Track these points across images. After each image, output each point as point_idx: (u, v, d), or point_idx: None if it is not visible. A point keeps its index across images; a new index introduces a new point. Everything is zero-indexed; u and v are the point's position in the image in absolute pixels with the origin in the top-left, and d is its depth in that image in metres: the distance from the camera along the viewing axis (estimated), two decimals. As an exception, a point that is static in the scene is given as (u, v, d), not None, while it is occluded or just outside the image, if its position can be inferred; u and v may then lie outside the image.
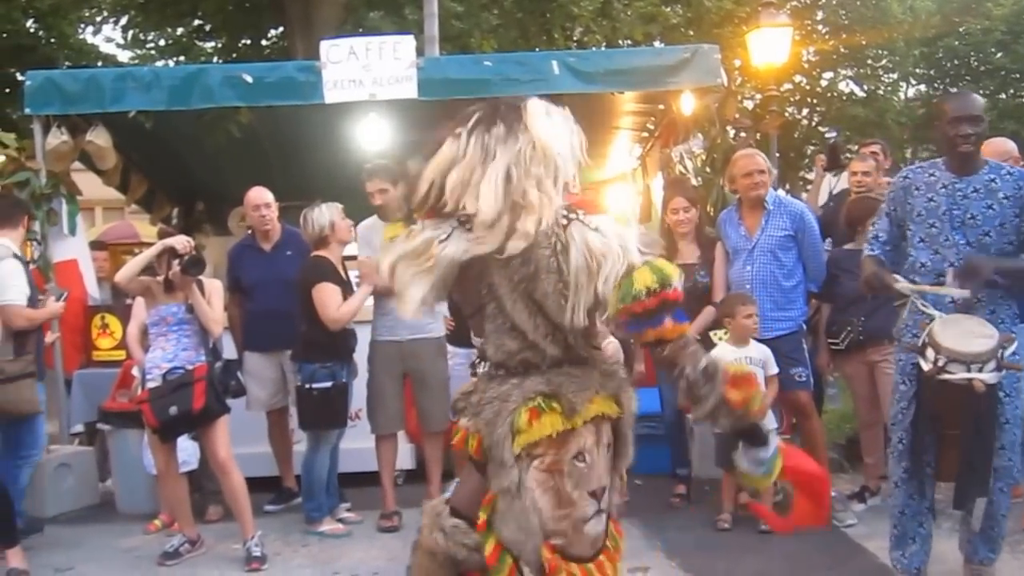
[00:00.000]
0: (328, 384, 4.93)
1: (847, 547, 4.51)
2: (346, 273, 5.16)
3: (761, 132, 7.35)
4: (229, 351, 5.33)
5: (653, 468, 5.31)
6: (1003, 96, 20.95)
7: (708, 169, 6.32)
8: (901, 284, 3.57)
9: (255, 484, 4.92)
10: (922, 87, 22.08)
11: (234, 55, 13.62)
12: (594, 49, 11.03)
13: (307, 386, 4.95)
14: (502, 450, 2.29)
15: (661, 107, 7.31)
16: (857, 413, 5.32)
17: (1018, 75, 20.56)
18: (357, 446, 5.44)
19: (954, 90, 19.95)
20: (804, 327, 5.08)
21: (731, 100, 6.69)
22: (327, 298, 4.89)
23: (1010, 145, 4.89)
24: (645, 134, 8.37)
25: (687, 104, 6.47)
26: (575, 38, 13.11)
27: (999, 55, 20.25)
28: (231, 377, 4.86)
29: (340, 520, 5.17)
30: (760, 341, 4.92)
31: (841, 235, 5.31)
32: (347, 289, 5.05)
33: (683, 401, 2.78)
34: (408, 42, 6.24)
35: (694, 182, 6.23)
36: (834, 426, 5.68)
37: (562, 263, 2.21)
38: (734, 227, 5.17)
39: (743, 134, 6.45)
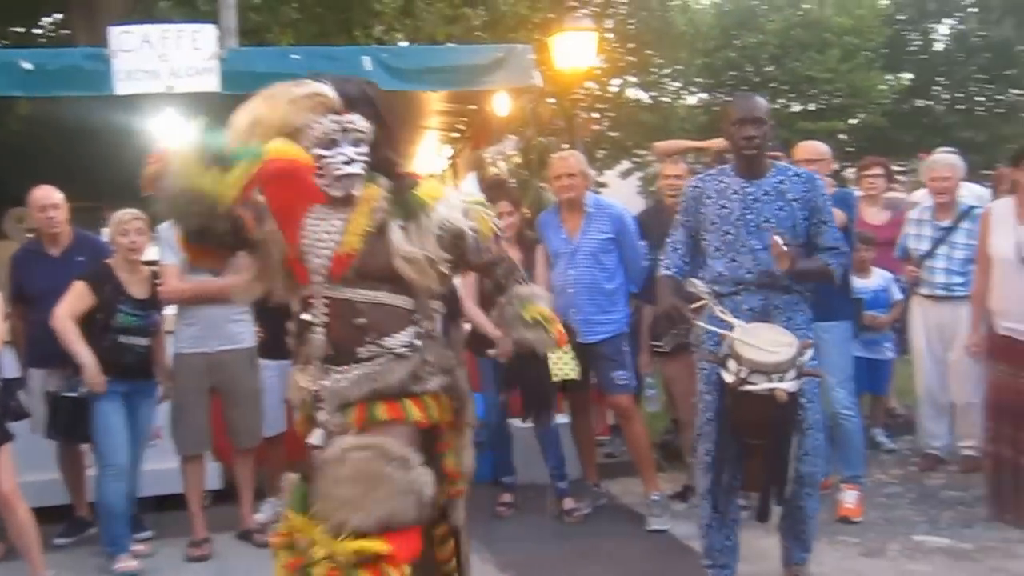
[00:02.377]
0: (81, 393, 4.55)
1: (678, 551, 4.57)
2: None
3: (573, 135, 7.43)
4: (11, 368, 4.77)
5: (476, 476, 5.18)
6: (775, 107, 22.46)
7: (525, 171, 6.30)
8: (699, 288, 3.55)
9: (43, 515, 4.40)
10: (704, 95, 23.26)
11: (5, 42, 12.37)
12: (408, 45, 10.80)
13: (61, 394, 4.61)
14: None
15: (472, 107, 7.23)
16: (680, 413, 5.43)
17: (788, 87, 22.08)
18: (159, 467, 5.03)
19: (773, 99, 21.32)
20: (627, 329, 5.12)
21: (543, 102, 6.71)
22: (64, 299, 4.51)
23: (823, 148, 5.12)
24: (456, 135, 8.28)
25: (501, 105, 6.41)
26: (376, 36, 12.83)
27: (772, 68, 21.67)
28: (11, 398, 4.34)
29: (136, 553, 4.70)
30: (583, 345, 4.93)
31: (660, 237, 5.40)
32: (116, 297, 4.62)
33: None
34: (209, 31, 5.82)
35: (509, 183, 6.19)
36: (652, 427, 5.79)
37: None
38: (555, 230, 5.15)
39: (552, 137, 6.48)
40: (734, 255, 3.62)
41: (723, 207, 3.66)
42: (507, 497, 5.28)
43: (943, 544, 4.48)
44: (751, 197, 3.63)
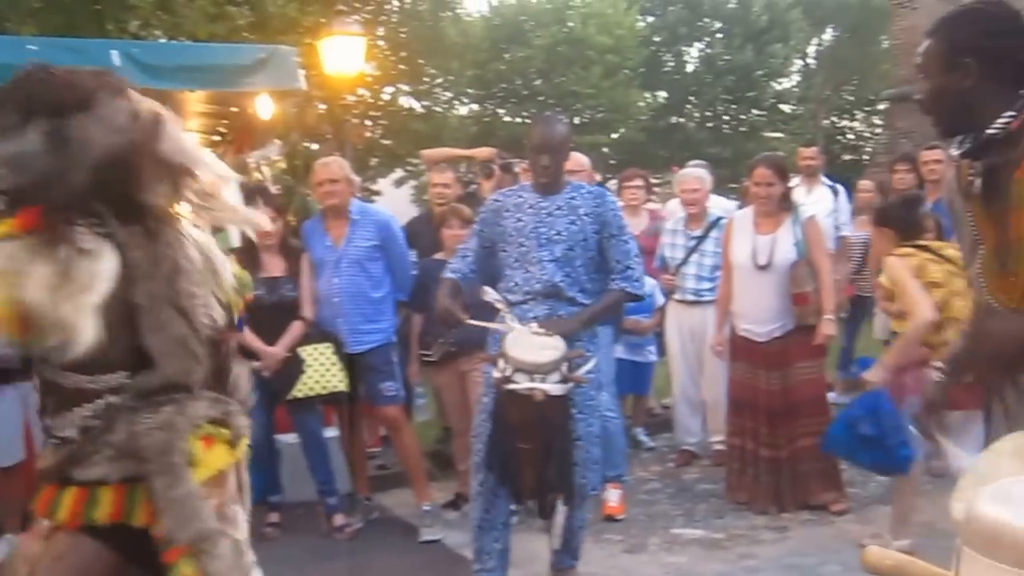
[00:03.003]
0: None
1: (451, 560, 4.54)
2: None
3: (342, 142, 7.28)
4: None
5: (240, 496, 4.94)
6: (543, 119, 23.22)
7: (289, 177, 6.09)
8: (490, 295, 3.64)
9: None
10: (475, 106, 23.71)
11: None
12: (163, 41, 10.18)
13: None
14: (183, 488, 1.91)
15: (234, 109, 6.92)
16: (451, 421, 5.41)
17: (554, 101, 22.91)
18: None
19: (541, 113, 21.85)
20: (395, 339, 5.05)
21: (310, 107, 6.52)
22: None
23: (583, 159, 5.29)
24: (216, 138, 7.89)
25: (264, 108, 6.18)
26: (131, 31, 12.06)
27: (539, 82, 22.43)
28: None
29: None
30: (351, 355, 4.82)
31: (428, 245, 5.39)
32: None
33: None
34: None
35: (273, 190, 5.97)
36: (423, 435, 5.75)
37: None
38: (319, 238, 5.01)
39: (320, 144, 6.32)
40: (527, 266, 3.75)
41: (519, 220, 3.79)
42: (274, 517, 5.05)
43: (698, 535, 4.73)
44: (545, 211, 3.78)
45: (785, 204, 4.99)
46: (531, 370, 3.36)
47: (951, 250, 3.87)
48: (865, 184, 8.18)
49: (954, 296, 3.85)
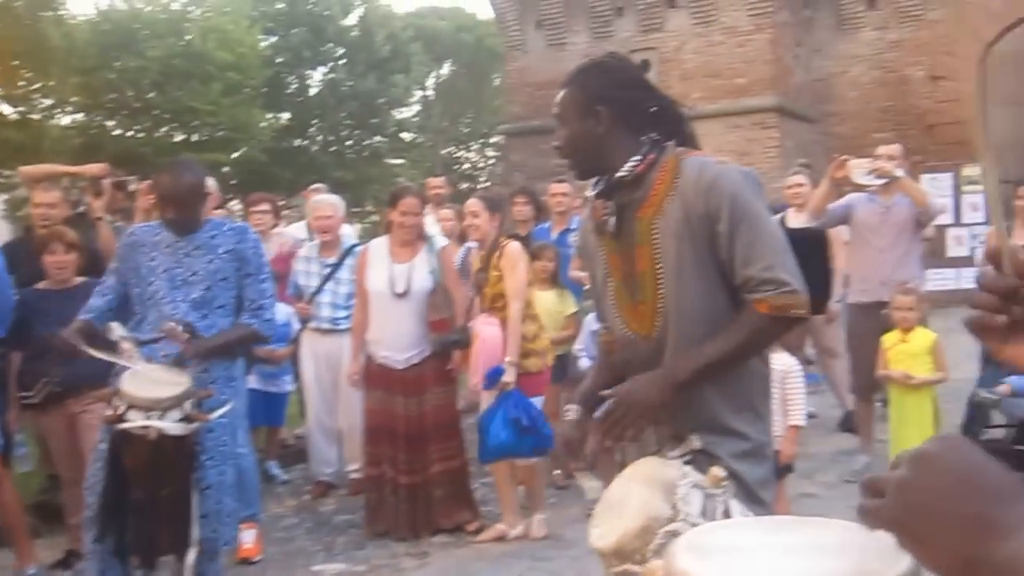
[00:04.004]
0: None
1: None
2: None
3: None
4: None
5: None
6: (158, 134, 21.84)
7: None
8: (116, 332, 3.40)
9: None
10: (80, 116, 21.70)
11: None
12: None
13: None
14: None
15: None
16: (59, 469, 4.82)
17: (170, 116, 21.65)
18: None
19: (156, 128, 20.44)
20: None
21: None
22: None
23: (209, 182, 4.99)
24: None
25: None
26: None
27: (154, 95, 21.05)
28: None
29: None
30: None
31: (29, 273, 4.77)
32: None
33: None
34: None
35: None
36: (26, 487, 5.07)
37: None
38: None
39: None
40: (160, 306, 3.58)
41: (153, 259, 3.65)
42: None
43: (339, 570, 4.65)
44: (182, 251, 3.64)
45: (421, 233, 5.10)
46: (147, 406, 3.12)
47: None
48: (447, 214, 8.55)
49: None
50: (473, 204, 5.01)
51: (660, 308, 2.17)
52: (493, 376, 4.67)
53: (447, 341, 4.92)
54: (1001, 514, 0.71)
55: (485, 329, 4.77)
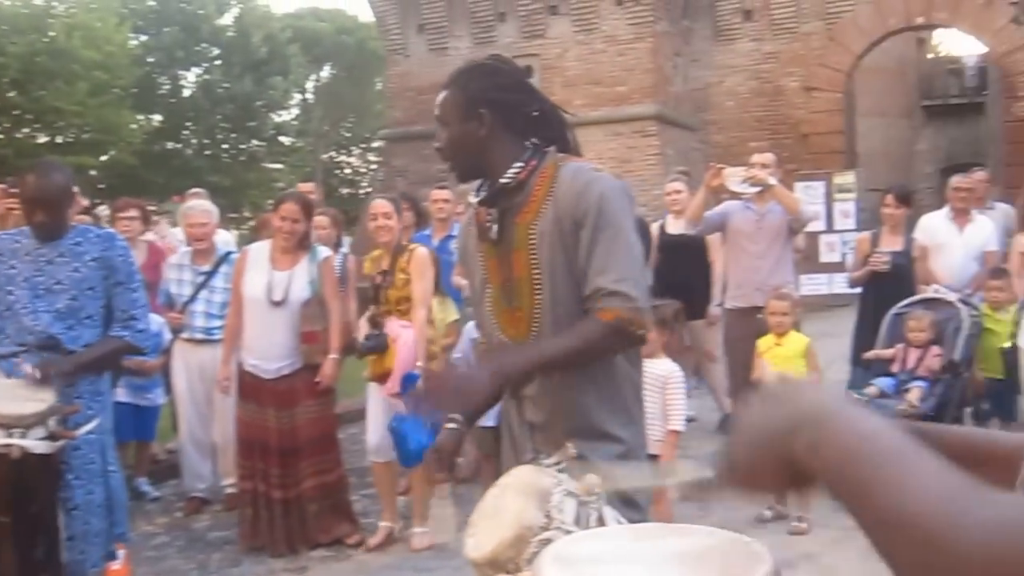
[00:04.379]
0: None
1: None
2: None
3: None
4: None
5: None
6: (19, 135, 20.82)
7: None
8: None
9: None
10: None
11: None
12: None
13: None
14: None
15: None
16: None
17: (33, 116, 20.66)
18: None
19: (15, 129, 19.31)
20: None
21: None
22: None
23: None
24: None
25: None
26: None
27: (14, 94, 20.02)
28: None
29: None
30: None
31: None
32: None
33: None
34: None
35: None
36: None
37: None
38: None
39: None
40: (20, 317, 3.40)
41: (12, 267, 3.46)
42: None
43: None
44: (44, 259, 3.46)
45: (304, 242, 4.95)
46: (8, 424, 2.94)
47: None
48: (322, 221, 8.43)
49: None
50: (383, 206, 4.90)
51: (536, 315, 2.16)
52: (409, 382, 4.58)
53: (367, 346, 4.78)
54: (802, 409, 0.77)
55: (403, 333, 4.69)
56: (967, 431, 1.03)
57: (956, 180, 6.45)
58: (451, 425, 2.27)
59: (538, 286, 2.15)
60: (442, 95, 2.23)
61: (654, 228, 7.20)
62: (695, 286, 6.67)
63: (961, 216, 6.26)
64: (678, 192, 6.86)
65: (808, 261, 8.27)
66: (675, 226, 6.62)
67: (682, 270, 6.67)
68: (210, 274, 5.56)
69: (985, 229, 6.26)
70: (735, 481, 0.83)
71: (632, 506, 2.06)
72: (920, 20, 16.74)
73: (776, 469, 0.78)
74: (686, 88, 17.83)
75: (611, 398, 2.18)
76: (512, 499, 1.93)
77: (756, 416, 0.82)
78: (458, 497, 3.99)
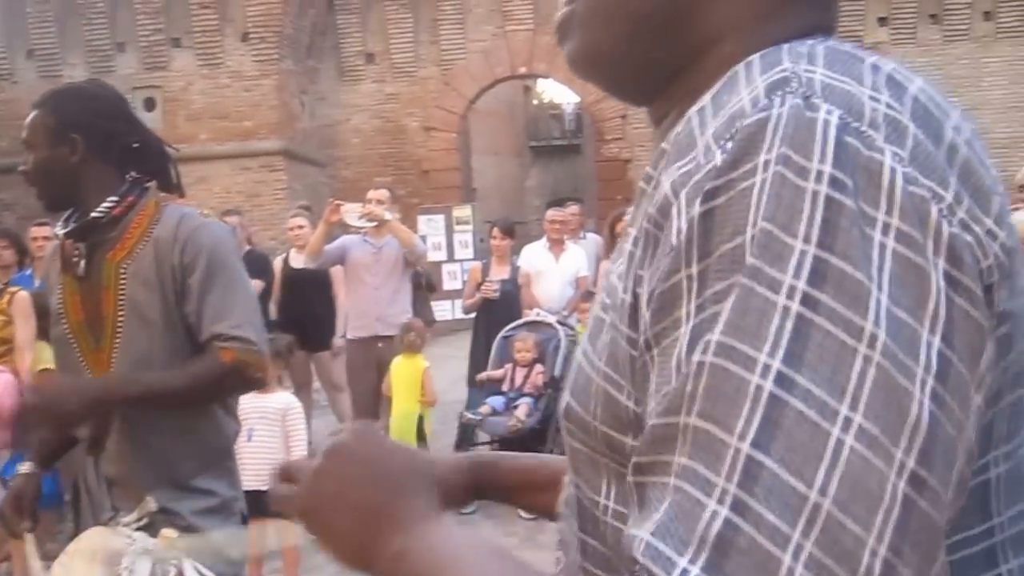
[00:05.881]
0: None
1: None
2: None
3: None
4: None
5: None
6: None
7: None
8: None
9: None
10: None
11: None
12: None
13: None
14: None
15: None
16: None
17: None
18: None
19: None
20: None
21: None
22: None
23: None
24: None
25: None
26: None
27: None
28: None
29: None
30: None
31: None
32: None
33: None
34: None
35: None
36: None
37: None
38: None
39: None
40: None
41: None
42: None
43: None
44: None
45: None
46: None
47: None
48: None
49: None
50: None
51: (115, 355, 2.09)
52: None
53: None
54: (400, 507, 0.71)
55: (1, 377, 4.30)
56: (525, 460, 1.02)
57: (551, 214, 7.18)
58: (24, 469, 2.16)
59: (120, 327, 2.08)
60: (32, 115, 2.13)
61: (277, 262, 7.27)
62: (320, 318, 6.82)
63: (557, 246, 6.96)
64: (300, 227, 6.96)
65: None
66: (298, 260, 6.71)
67: (307, 303, 6.80)
68: None
69: (578, 257, 7.00)
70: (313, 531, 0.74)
71: (223, 558, 2.00)
72: (523, 70, 18.22)
73: (353, 553, 0.71)
74: (313, 124, 17.98)
75: (202, 449, 2.13)
76: (80, 567, 1.85)
77: (341, 478, 0.73)
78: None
